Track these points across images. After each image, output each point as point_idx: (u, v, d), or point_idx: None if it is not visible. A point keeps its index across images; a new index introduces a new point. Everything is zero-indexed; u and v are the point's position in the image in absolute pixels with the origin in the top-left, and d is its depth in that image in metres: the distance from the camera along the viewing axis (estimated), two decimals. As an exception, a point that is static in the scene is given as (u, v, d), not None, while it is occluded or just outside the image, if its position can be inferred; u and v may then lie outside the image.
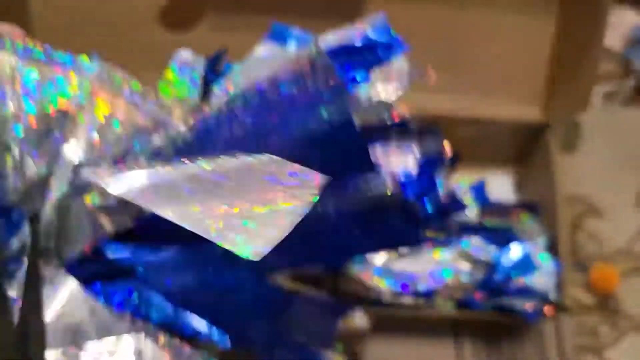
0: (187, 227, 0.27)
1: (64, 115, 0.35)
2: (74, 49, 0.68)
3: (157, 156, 0.34)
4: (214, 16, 0.67)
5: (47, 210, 0.33)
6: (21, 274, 0.32)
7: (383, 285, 0.61)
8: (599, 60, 0.61)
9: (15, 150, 0.33)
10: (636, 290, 0.81)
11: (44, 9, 0.68)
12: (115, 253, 0.33)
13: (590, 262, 0.82)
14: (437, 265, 0.62)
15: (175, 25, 0.68)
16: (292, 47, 0.46)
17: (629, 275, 0.82)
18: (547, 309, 0.63)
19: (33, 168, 0.33)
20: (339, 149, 0.31)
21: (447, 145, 0.49)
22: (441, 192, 0.49)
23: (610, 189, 0.86)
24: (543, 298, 0.62)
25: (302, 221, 0.27)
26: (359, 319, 0.48)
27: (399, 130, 0.45)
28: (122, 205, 0.30)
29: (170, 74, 0.48)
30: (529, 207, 0.68)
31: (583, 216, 0.85)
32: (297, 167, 0.28)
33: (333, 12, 0.67)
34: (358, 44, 0.38)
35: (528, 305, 0.62)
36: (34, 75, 0.35)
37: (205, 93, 0.47)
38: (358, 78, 0.38)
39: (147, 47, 0.69)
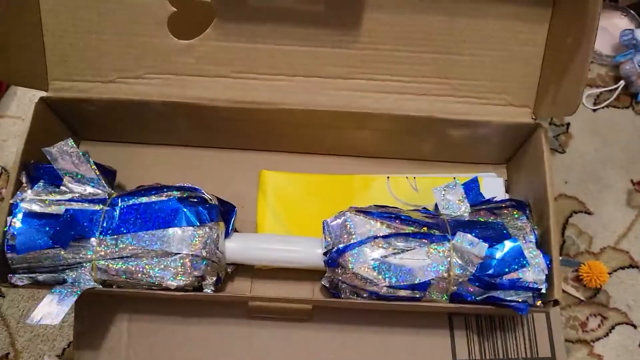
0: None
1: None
2: (82, 51, 0.71)
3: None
4: (219, 24, 0.69)
5: None
6: None
7: (380, 279, 0.62)
8: (588, 63, 0.61)
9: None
10: (625, 286, 0.83)
11: (53, 13, 0.70)
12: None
13: (580, 258, 0.84)
14: (432, 260, 0.62)
15: (182, 32, 0.70)
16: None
17: (618, 271, 0.84)
18: (538, 302, 0.63)
19: None
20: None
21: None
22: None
23: (601, 188, 0.88)
24: (534, 292, 0.63)
25: None
26: None
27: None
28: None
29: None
30: (519, 204, 0.68)
31: (574, 214, 0.86)
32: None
33: (332, 18, 0.69)
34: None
35: (520, 299, 0.63)
36: None
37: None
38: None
39: (154, 52, 0.71)
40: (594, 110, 0.94)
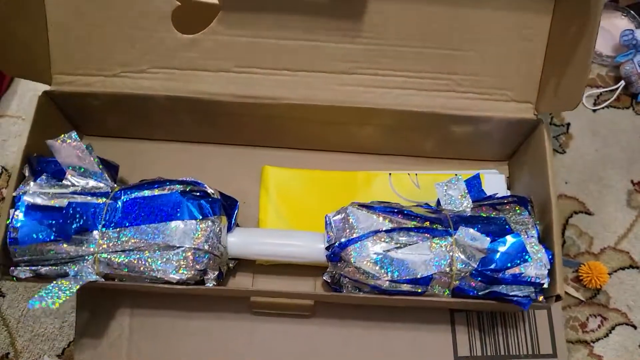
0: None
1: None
2: (86, 45, 0.71)
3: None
4: (222, 18, 0.69)
5: None
6: None
7: (382, 273, 0.62)
8: (590, 58, 0.62)
9: None
10: (625, 286, 0.83)
11: (57, 6, 0.70)
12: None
13: (580, 259, 0.84)
14: (435, 255, 0.63)
15: (186, 27, 0.70)
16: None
17: (618, 272, 0.84)
18: (540, 298, 0.63)
19: None
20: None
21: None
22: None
23: (601, 188, 0.88)
24: (536, 287, 0.63)
25: None
26: None
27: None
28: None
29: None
30: (521, 200, 0.68)
31: (574, 214, 0.86)
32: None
33: (336, 12, 0.69)
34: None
35: (522, 294, 0.63)
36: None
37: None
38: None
39: (158, 46, 0.71)
40: (594, 110, 0.94)
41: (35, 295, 0.58)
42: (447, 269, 0.63)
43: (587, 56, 0.62)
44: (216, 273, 0.67)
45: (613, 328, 0.81)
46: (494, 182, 0.77)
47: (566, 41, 0.66)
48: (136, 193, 0.66)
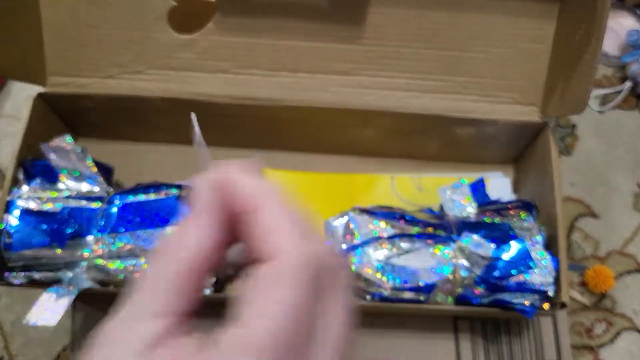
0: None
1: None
2: (81, 46, 0.70)
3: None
4: (220, 18, 0.68)
5: None
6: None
7: (384, 280, 0.61)
8: (597, 61, 0.61)
9: None
10: (631, 291, 0.82)
11: (52, 7, 0.69)
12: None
13: (586, 263, 0.83)
14: (437, 261, 0.62)
15: (183, 27, 0.69)
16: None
17: (624, 276, 0.83)
18: (545, 305, 0.62)
19: None
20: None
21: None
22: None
23: (607, 191, 0.87)
24: (541, 294, 0.62)
25: None
26: None
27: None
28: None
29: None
30: (526, 205, 0.67)
31: (579, 217, 0.86)
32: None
33: (337, 16, 0.68)
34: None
35: (526, 302, 0.62)
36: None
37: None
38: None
39: (154, 47, 0.70)
40: (600, 111, 0.93)
41: (31, 312, 0.58)
42: (450, 277, 0.62)
43: (594, 60, 0.61)
44: (213, 279, 0.66)
45: (618, 333, 0.80)
46: (499, 186, 0.76)
47: (572, 45, 0.65)
48: (132, 197, 0.65)
